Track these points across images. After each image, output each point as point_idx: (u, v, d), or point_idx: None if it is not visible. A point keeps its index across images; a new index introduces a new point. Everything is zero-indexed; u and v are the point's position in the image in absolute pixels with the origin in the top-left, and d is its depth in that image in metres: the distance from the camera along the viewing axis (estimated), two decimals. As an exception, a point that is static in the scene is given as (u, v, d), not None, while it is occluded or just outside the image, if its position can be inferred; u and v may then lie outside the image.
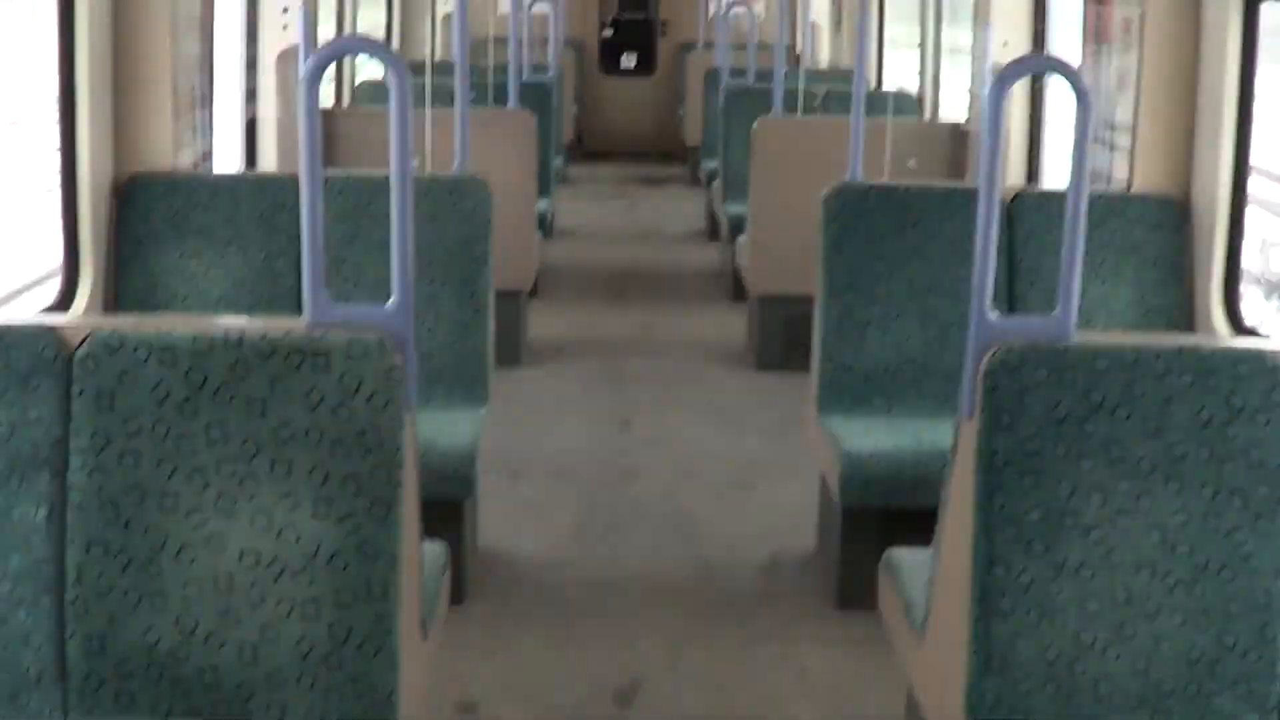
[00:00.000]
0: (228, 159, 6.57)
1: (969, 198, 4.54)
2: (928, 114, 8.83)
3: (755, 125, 7.00)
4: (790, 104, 7.63)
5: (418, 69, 10.10)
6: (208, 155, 6.31)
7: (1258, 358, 2.61)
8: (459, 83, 5.10)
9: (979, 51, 7.02)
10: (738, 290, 8.13)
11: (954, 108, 8.50)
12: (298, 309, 4.61)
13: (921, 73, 9.06)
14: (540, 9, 10.78)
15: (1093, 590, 2.60)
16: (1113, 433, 2.59)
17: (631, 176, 13.72)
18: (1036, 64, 2.80)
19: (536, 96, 8.64)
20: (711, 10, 13.76)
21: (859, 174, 4.99)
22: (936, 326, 4.50)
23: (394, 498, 2.58)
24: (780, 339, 7.02)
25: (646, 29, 15.53)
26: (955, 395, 4.61)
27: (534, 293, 7.98)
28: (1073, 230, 2.75)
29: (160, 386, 2.57)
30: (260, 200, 4.49)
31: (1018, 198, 4.57)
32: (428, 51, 10.04)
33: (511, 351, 6.97)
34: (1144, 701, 2.63)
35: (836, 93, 9.15)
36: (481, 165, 6.90)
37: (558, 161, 9.99)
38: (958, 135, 7.11)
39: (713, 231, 10.14)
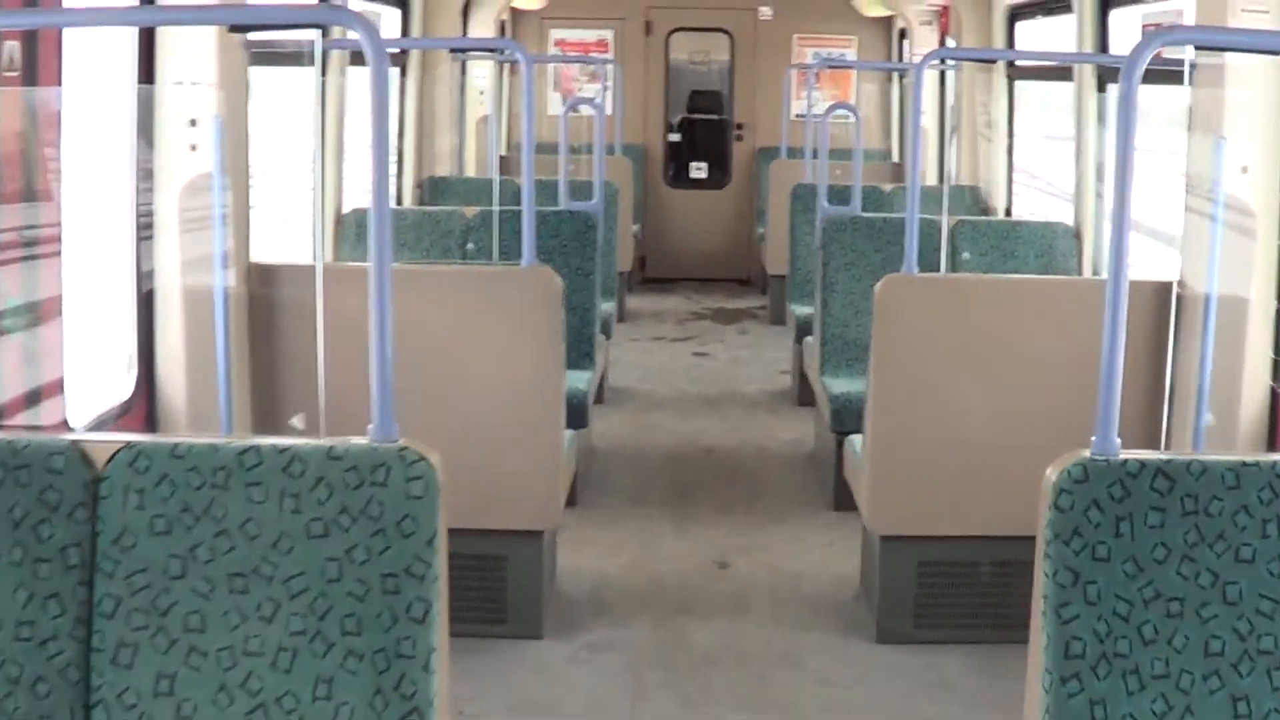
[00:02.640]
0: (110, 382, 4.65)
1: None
2: (1087, 262, 6.67)
3: (879, 287, 4.86)
4: (926, 250, 5.49)
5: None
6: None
7: None
8: (373, 274, 2.51)
9: (1198, 172, 4.84)
10: (841, 495, 5.96)
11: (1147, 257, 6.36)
12: (86, 697, 2.52)
13: (1078, 199, 6.87)
14: (585, 110, 8.68)
15: None
16: None
17: (702, 311, 11.58)
18: None
19: (576, 230, 6.57)
20: (795, 109, 11.65)
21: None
22: (1232, 677, 2.36)
23: None
24: (911, 596, 4.84)
25: (719, 132, 13.42)
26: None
27: (570, 501, 5.85)
28: None
29: None
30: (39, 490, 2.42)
31: None
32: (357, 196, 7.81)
33: (530, 618, 4.82)
34: None
35: (971, 224, 7.00)
36: (480, 351, 4.82)
37: (607, 308, 7.82)
38: (1162, 296, 4.93)
39: (803, 396, 7.93)
